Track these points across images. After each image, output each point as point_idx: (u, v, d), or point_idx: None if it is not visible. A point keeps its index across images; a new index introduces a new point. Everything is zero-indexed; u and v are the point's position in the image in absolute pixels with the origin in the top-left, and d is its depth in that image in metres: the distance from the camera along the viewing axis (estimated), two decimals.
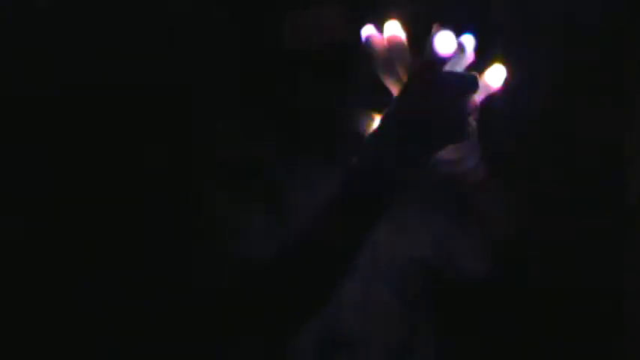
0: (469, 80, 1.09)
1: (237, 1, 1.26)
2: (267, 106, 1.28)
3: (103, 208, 1.52)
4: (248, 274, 1.19)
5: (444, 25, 1.07)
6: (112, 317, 1.44)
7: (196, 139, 1.27)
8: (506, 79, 1.13)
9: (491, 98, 1.14)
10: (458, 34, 1.09)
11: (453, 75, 1.09)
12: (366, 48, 1.13)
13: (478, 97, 1.12)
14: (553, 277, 1.60)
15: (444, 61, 1.07)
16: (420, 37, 1.11)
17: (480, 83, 1.11)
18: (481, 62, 1.14)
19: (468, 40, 1.11)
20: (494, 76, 1.13)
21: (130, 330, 1.35)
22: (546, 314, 1.62)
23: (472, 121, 1.12)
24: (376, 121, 1.14)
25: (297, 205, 1.26)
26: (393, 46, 1.12)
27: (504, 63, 1.13)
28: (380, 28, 1.13)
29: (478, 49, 1.12)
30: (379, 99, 1.17)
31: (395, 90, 1.13)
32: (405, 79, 1.12)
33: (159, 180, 1.28)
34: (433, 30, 1.07)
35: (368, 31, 1.13)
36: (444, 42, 1.05)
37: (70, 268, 1.52)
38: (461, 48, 1.09)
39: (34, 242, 1.51)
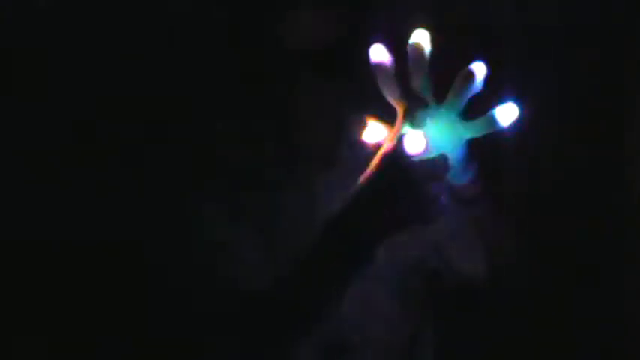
0: (438, 166, 1.10)
1: (237, 1, 1.25)
2: (268, 107, 1.28)
3: (103, 207, 1.52)
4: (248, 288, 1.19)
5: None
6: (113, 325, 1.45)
7: (196, 139, 1.27)
8: (516, 120, 1.10)
9: (497, 134, 1.12)
10: (469, 62, 1.09)
11: (422, 163, 1.09)
12: (374, 70, 1.12)
13: (484, 128, 1.11)
14: (553, 277, 1.60)
15: (411, 157, 1.07)
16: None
17: (487, 118, 1.10)
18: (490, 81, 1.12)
19: (479, 68, 1.10)
20: (505, 115, 1.10)
21: (133, 339, 1.35)
22: (546, 314, 1.62)
23: (443, 202, 1.11)
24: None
25: (296, 205, 1.26)
26: (416, 55, 1.10)
27: (516, 101, 1.10)
28: (388, 45, 1.12)
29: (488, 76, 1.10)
30: (378, 99, 1.17)
31: (400, 109, 1.13)
32: (417, 92, 1.11)
33: (159, 180, 1.28)
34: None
35: (377, 53, 1.12)
36: (413, 142, 1.06)
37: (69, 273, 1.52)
38: (470, 75, 1.09)
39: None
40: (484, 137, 1.12)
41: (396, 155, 1.08)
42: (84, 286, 1.48)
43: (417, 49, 1.10)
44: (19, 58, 1.52)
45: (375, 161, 1.11)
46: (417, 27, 1.10)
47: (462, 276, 1.37)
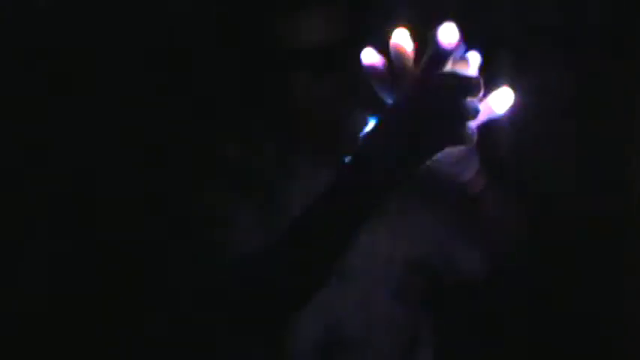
0: (472, 82, 1.07)
1: (237, 1, 1.26)
2: (267, 106, 1.28)
3: (104, 207, 1.52)
4: (243, 265, 1.18)
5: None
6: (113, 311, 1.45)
7: (197, 139, 1.27)
8: (512, 106, 1.08)
9: (494, 121, 1.10)
10: (464, 50, 1.07)
11: (456, 75, 1.06)
12: (366, 72, 1.10)
13: (481, 115, 1.09)
14: (553, 278, 1.60)
15: (447, 54, 1.04)
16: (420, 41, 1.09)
17: (484, 105, 1.08)
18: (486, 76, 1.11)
19: (474, 57, 1.08)
20: (500, 101, 1.08)
21: (130, 326, 1.35)
22: (546, 314, 1.62)
23: (472, 125, 1.09)
24: (374, 121, 1.12)
25: (295, 204, 1.26)
26: (397, 55, 1.09)
27: (512, 86, 1.08)
28: (380, 47, 1.11)
29: (483, 64, 1.09)
30: (378, 99, 1.17)
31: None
32: (405, 85, 1.10)
33: (159, 180, 1.28)
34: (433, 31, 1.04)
35: (368, 56, 1.10)
36: (447, 33, 1.03)
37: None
38: (465, 62, 1.07)
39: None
40: (484, 128, 1.11)
41: (433, 57, 1.04)
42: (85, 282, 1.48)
43: (398, 49, 1.08)
44: (18, 58, 1.52)
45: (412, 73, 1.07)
46: (396, 26, 1.09)
47: (462, 275, 1.37)
